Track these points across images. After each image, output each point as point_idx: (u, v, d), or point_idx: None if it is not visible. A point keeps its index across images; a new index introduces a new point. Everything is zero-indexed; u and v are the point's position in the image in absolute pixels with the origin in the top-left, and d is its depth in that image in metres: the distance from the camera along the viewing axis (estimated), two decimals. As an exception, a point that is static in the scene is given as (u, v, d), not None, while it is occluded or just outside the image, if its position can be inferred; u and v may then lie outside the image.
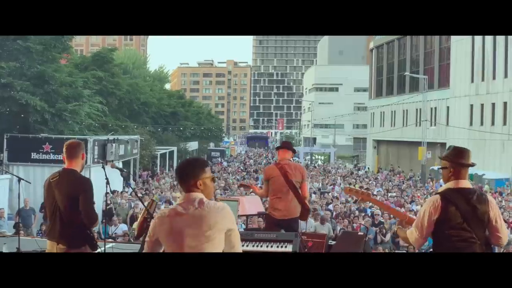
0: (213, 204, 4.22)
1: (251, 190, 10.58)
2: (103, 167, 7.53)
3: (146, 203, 6.92)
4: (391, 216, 19.44)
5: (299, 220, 9.29)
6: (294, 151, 9.40)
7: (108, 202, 8.36)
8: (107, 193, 7.93)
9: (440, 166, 5.24)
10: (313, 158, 75.05)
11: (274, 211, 8.89)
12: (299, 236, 7.32)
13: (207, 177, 4.35)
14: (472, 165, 5.17)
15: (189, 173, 4.32)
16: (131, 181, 29.57)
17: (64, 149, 6.35)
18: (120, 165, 26.33)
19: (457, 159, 5.09)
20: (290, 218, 8.83)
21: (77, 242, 6.10)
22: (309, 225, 16.33)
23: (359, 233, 8.70)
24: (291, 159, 9.34)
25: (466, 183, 5.07)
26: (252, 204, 9.43)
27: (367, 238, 7.98)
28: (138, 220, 6.34)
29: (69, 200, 6.13)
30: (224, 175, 39.62)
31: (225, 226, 4.19)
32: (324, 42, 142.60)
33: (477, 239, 4.89)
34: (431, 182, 40.70)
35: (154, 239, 4.29)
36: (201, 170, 4.33)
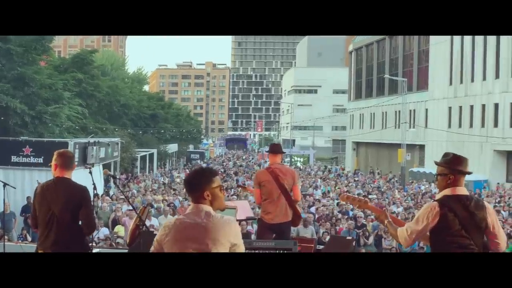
0: (219, 218, 4.15)
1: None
2: (90, 172, 7.51)
3: (131, 206, 6.86)
4: (373, 218, 19.51)
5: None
6: (283, 153, 9.43)
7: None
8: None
9: (437, 173, 5.24)
10: (292, 160, 75.08)
11: (266, 215, 8.92)
12: (297, 244, 7.30)
13: (214, 187, 4.25)
14: (470, 173, 5.19)
15: (196, 184, 4.24)
16: (111, 184, 29.41)
17: (58, 158, 6.35)
18: (101, 168, 26.18)
19: (456, 166, 5.09)
20: (281, 223, 8.87)
21: (75, 249, 6.07)
22: (292, 228, 16.30)
23: (348, 238, 8.71)
24: (282, 161, 9.37)
25: (463, 190, 5.09)
26: (242, 210, 9.42)
27: (355, 242, 7.97)
28: (130, 227, 6.29)
29: (68, 208, 6.16)
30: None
31: (229, 240, 4.13)
32: (303, 44, 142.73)
33: (475, 246, 4.91)
34: (410, 184, 40.89)
35: (159, 248, 4.24)
36: (208, 181, 4.24)
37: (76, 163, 7.14)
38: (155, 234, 4.47)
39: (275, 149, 9.36)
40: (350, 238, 8.48)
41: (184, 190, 4.51)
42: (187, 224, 4.13)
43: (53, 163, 6.37)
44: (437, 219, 4.91)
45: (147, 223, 16.13)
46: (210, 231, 4.07)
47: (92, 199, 6.55)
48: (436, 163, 5.27)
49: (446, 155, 5.24)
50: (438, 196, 5.15)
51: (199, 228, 4.09)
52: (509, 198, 30.93)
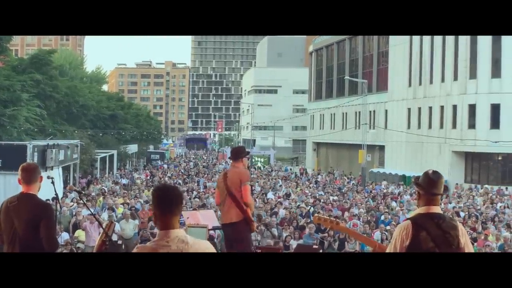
0: (197, 245, 3.99)
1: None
2: (52, 183, 7.35)
3: (104, 225, 6.70)
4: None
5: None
6: (241, 158, 9.51)
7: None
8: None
9: (416, 190, 5.26)
10: (253, 160, 75.11)
11: (221, 216, 9.54)
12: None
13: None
14: (443, 194, 5.22)
15: (173, 209, 3.93)
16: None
17: (20, 173, 6.20)
18: (60, 171, 25.82)
19: (430, 188, 5.09)
20: (225, 223, 9.29)
21: None
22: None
23: (314, 246, 8.70)
24: (242, 163, 9.47)
25: (436, 209, 5.09)
26: (208, 220, 9.44)
27: (321, 251, 7.95)
28: (97, 242, 6.15)
29: (30, 226, 6.03)
30: (166, 179, 39.16)
31: None
32: (263, 44, 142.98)
33: None
34: (370, 185, 41.10)
35: None
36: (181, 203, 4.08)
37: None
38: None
39: (232, 155, 9.64)
40: (316, 247, 8.47)
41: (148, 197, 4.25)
42: (166, 249, 3.88)
43: (18, 177, 6.23)
44: (411, 236, 4.91)
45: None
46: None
47: (54, 212, 6.41)
48: (413, 182, 5.31)
49: (424, 174, 5.22)
50: (411, 215, 5.18)
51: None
52: (469, 199, 31.31)
